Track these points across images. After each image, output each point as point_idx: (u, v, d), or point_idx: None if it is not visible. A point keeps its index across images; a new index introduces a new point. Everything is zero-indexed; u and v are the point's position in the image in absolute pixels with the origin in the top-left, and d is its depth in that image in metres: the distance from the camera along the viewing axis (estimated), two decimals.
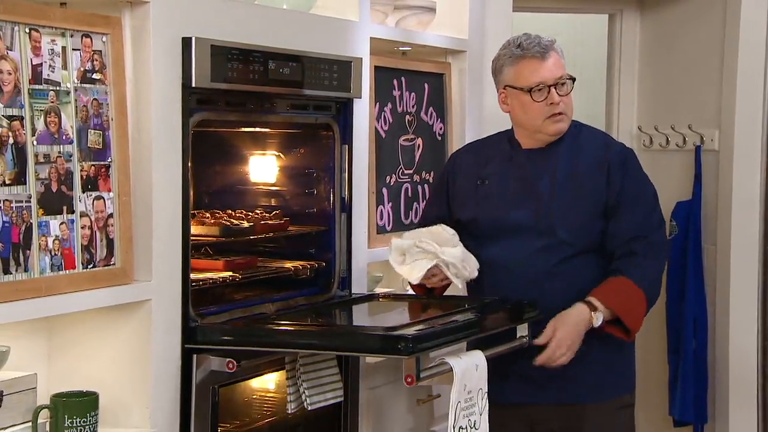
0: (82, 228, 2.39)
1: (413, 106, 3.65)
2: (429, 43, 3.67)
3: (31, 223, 2.27)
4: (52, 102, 2.33)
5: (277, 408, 3.04)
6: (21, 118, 2.25)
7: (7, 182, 2.22)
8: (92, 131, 2.43)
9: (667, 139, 4.51)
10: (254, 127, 3.15)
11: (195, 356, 2.62)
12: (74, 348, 2.57)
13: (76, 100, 2.39)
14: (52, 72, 2.33)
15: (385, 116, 3.50)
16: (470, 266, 2.94)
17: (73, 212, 2.37)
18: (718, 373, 4.25)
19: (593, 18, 5.43)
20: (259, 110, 2.92)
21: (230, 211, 3.25)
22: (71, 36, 2.38)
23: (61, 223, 2.34)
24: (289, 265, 3.16)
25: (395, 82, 3.55)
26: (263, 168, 3.35)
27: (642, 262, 2.92)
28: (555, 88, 2.94)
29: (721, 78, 4.27)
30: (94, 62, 2.44)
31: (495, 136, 3.21)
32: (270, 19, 2.91)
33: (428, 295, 3.10)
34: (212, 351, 2.63)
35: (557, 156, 3.01)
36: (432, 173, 3.72)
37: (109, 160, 2.47)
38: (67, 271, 2.35)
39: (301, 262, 3.18)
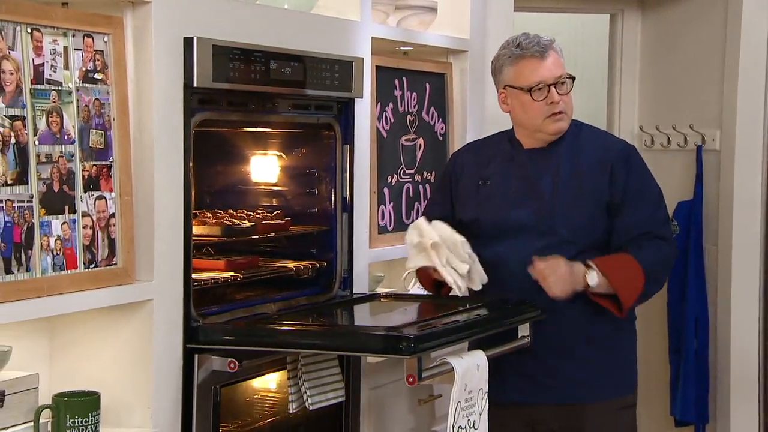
0: (83, 228, 2.39)
1: (414, 106, 3.65)
2: (430, 43, 3.67)
3: (33, 223, 2.27)
4: (54, 102, 2.33)
5: (278, 408, 3.04)
6: (23, 118, 2.25)
7: (9, 182, 2.22)
8: (94, 131, 2.43)
9: (669, 138, 4.51)
10: (256, 127, 3.16)
11: (196, 356, 2.62)
12: (76, 348, 2.57)
13: (77, 100, 2.39)
14: (54, 72, 2.33)
15: (386, 116, 3.50)
16: (474, 282, 2.93)
17: (74, 212, 2.37)
18: (720, 373, 4.25)
19: (594, 18, 5.44)
20: (261, 110, 2.92)
21: (232, 211, 3.26)
22: (73, 36, 2.39)
23: (63, 223, 2.34)
24: (290, 265, 3.16)
25: (396, 81, 3.55)
26: (265, 168, 3.35)
27: (647, 248, 2.92)
28: (555, 87, 2.94)
29: (722, 78, 4.27)
30: (96, 62, 2.44)
31: (495, 136, 3.21)
32: (271, 19, 2.91)
33: (436, 292, 3.09)
34: (214, 351, 2.63)
35: (558, 155, 3.01)
36: (433, 173, 3.72)
37: (111, 160, 2.47)
38: (69, 271, 2.35)
39: (303, 262, 3.18)
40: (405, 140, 3.61)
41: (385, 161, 3.49)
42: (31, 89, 2.27)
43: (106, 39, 2.46)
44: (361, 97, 3.20)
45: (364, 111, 3.25)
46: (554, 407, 2.98)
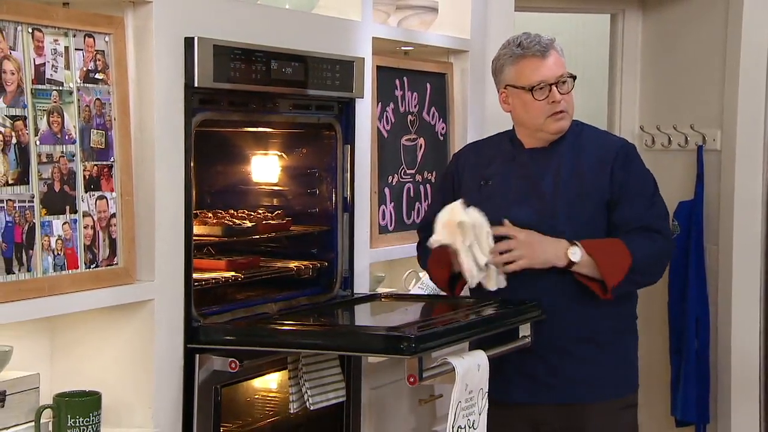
0: (84, 228, 2.39)
1: (415, 106, 3.65)
2: (431, 42, 3.67)
3: (34, 223, 2.27)
4: (55, 102, 2.33)
5: (279, 408, 3.04)
6: (24, 118, 2.25)
7: (10, 182, 2.22)
8: (95, 131, 2.43)
9: (669, 139, 4.51)
10: (257, 127, 3.16)
11: (197, 356, 2.62)
12: (77, 348, 2.57)
13: (78, 100, 2.39)
14: (55, 72, 2.33)
15: (387, 116, 3.50)
16: (490, 280, 2.91)
17: (75, 212, 2.38)
18: (721, 373, 4.25)
19: (595, 18, 5.44)
20: (262, 110, 2.92)
21: (232, 211, 3.26)
22: (74, 36, 2.39)
23: (64, 223, 2.34)
24: (291, 265, 3.17)
25: (397, 81, 3.55)
26: (265, 168, 3.35)
27: (640, 238, 2.92)
28: (556, 87, 2.94)
29: (723, 78, 4.27)
30: (97, 62, 2.44)
31: (496, 136, 3.21)
32: (272, 18, 2.91)
33: (449, 290, 3.08)
34: (215, 351, 2.63)
35: (560, 155, 3.01)
36: (434, 173, 3.72)
37: (112, 159, 2.47)
38: (70, 271, 2.35)
39: (304, 262, 3.18)
40: (406, 140, 3.61)
41: (386, 161, 3.49)
42: (32, 89, 2.27)
43: (107, 39, 2.46)
44: (362, 97, 3.20)
45: (364, 111, 3.26)
46: (556, 407, 2.98)
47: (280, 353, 2.80)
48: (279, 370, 2.92)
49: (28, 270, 2.25)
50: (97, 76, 2.44)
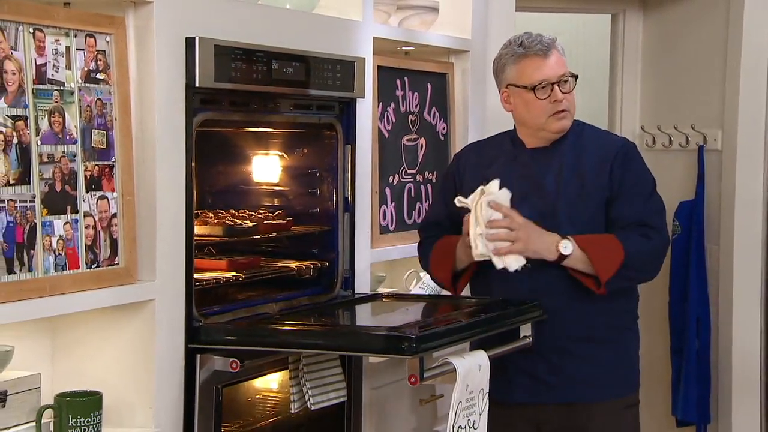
0: (85, 228, 2.39)
1: (416, 106, 3.65)
2: (432, 42, 3.67)
3: (35, 223, 2.27)
4: (56, 102, 2.33)
5: (280, 408, 3.04)
6: (25, 118, 2.25)
7: (11, 182, 2.22)
8: (96, 131, 2.43)
9: (670, 139, 4.51)
10: (257, 127, 3.16)
11: (198, 356, 2.62)
12: (78, 348, 2.57)
13: (80, 100, 2.39)
14: (56, 72, 2.33)
15: (388, 116, 3.50)
16: (509, 259, 2.89)
17: (77, 212, 2.38)
18: (721, 373, 4.25)
19: (596, 18, 5.44)
20: (263, 110, 2.92)
21: (233, 211, 3.26)
22: (75, 36, 2.39)
23: (65, 223, 2.35)
24: (292, 265, 3.17)
25: (398, 81, 3.55)
26: (266, 168, 3.35)
27: (634, 234, 2.92)
28: (558, 86, 2.95)
29: (724, 78, 4.27)
30: (98, 62, 2.44)
31: (497, 136, 3.21)
32: (273, 18, 2.91)
33: (452, 286, 3.08)
34: (215, 351, 2.63)
35: (561, 154, 3.01)
36: (435, 173, 3.72)
37: (113, 159, 2.47)
38: (71, 271, 2.35)
39: (304, 262, 3.18)
40: (406, 140, 3.61)
41: (387, 161, 3.49)
42: (33, 89, 2.27)
43: (108, 39, 2.46)
44: (363, 97, 3.20)
45: (365, 111, 3.26)
46: (559, 407, 2.98)
47: (281, 353, 2.80)
48: (280, 370, 2.92)
49: (30, 270, 2.25)
50: (98, 76, 2.44)
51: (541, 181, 3.00)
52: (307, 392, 2.88)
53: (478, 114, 3.90)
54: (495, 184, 2.90)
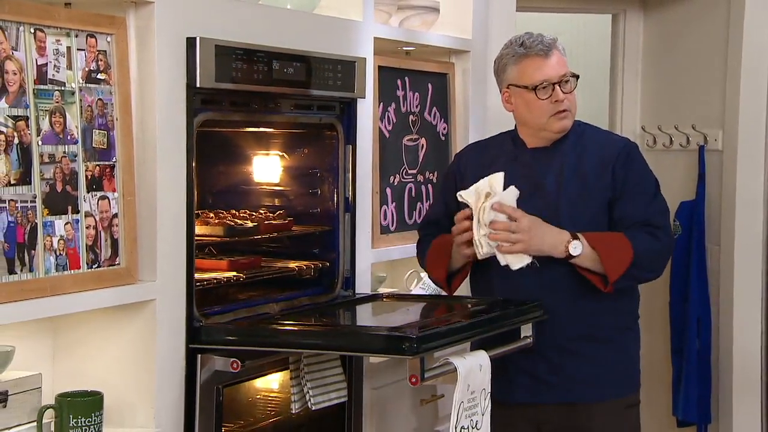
0: (86, 228, 2.39)
1: (417, 106, 3.65)
2: (432, 43, 3.67)
3: (36, 223, 2.27)
4: (57, 102, 2.33)
5: (280, 408, 3.04)
6: (26, 118, 2.25)
7: (12, 182, 2.22)
8: (97, 131, 2.43)
9: (671, 139, 4.51)
10: (258, 127, 3.16)
11: (199, 356, 2.62)
12: (79, 348, 2.57)
13: (80, 100, 2.39)
14: (57, 72, 2.33)
15: (388, 116, 3.50)
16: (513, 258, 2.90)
17: (77, 212, 2.38)
18: (722, 373, 4.25)
19: (596, 18, 5.44)
20: (263, 110, 2.92)
21: (234, 211, 3.26)
22: (76, 36, 2.39)
23: (66, 223, 2.35)
24: (292, 265, 3.17)
25: (399, 82, 3.55)
26: (267, 168, 3.35)
27: (642, 234, 2.92)
28: (559, 86, 2.95)
29: (724, 78, 4.27)
30: (99, 62, 2.44)
31: (498, 136, 3.21)
32: (274, 19, 2.91)
33: (446, 285, 3.08)
34: (216, 351, 2.63)
35: (562, 154, 3.01)
36: (436, 173, 3.72)
37: (114, 160, 2.47)
38: (72, 271, 2.35)
39: (305, 262, 3.18)
40: (407, 140, 3.61)
41: (388, 161, 3.49)
42: (34, 89, 2.28)
43: (109, 39, 2.46)
44: (364, 97, 3.20)
45: (366, 111, 3.26)
46: (559, 406, 2.98)
47: (282, 353, 2.80)
48: (281, 370, 2.92)
49: (30, 270, 2.25)
50: (99, 76, 2.44)
51: (542, 181, 3.00)
52: (308, 392, 2.88)
53: (479, 114, 3.90)
54: (499, 181, 2.89)
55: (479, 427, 2.67)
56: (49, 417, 2.36)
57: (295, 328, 2.72)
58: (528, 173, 3.02)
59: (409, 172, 3.61)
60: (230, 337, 2.63)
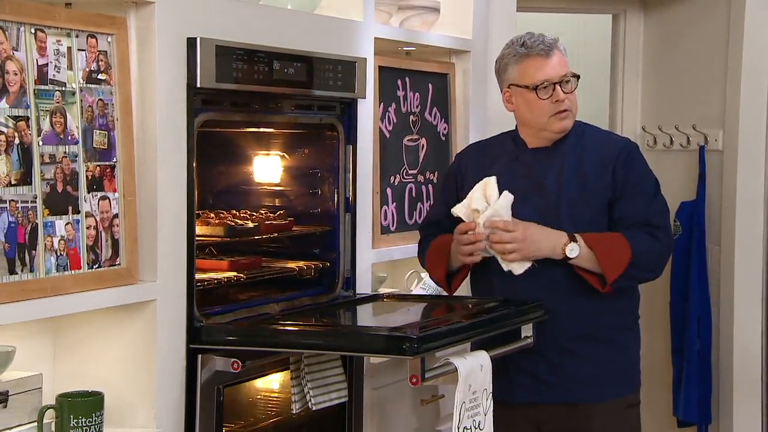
0: (87, 228, 2.39)
1: (417, 107, 3.65)
2: (433, 43, 3.67)
3: (37, 224, 2.27)
4: (58, 102, 2.33)
5: (281, 408, 3.04)
6: (27, 119, 2.25)
7: (13, 182, 2.22)
8: (97, 131, 2.43)
9: (671, 139, 4.51)
10: (259, 127, 3.16)
11: (200, 356, 2.62)
12: (79, 348, 2.57)
13: (81, 101, 2.39)
14: (58, 72, 2.33)
15: (389, 116, 3.50)
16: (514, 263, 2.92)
17: (78, 212, 2.38)
18: (723, 373, 4.25)
19: (597, 18, 5.44)
20: (264, 110, 2.92)
21: (235, 212, 3.26)
22: (76, 36, 2.39)
23: (67, 224, 2.35)
24: (293, 265, 3.17)
25: (399, 82, 3.55)
26: (268, 168, 3.35)
27: (641, 234, 2.92)
28: (560, 86, 2.95)
29: (725, 78, 4.27)
30: (100, 62, 2.44)
31: (499, 136, 3.21)
32: (274, 19, 2.91)
33: (446, 284, 3.09)
34: (217, 351, 2.63)
35: (563, 154, 3.01)
36: (436, 173, 3.72)
37: (114, 160, 2.47)
38: (73, 272, 2.35)
39: (306, 263, 3.18)
40: (408, 140, 3.61)
41: (388, 161, 3.49)
42: (34, 90, 2.28)
43: (109, 39, 2.46)
44: (364, 98, 3.20)
45: (366, 111, 3.26)
46: (560, 406, 2.98)
47: (283, 353, 2.80)
48: (281, 371, 2.92)
49: (31, 270, 2.25)
50: (99, 76, 2.44)
51: (542, 181, 3.00)
52: (309, 392, 2.88)
53: (479, 114, 3.90)
54: (493, 185, 2.90)
55: (482, 428, 2.67)
56: (49, 417, 2.36)
57: (296, 329, 2.72)
58: (529, 173, 3.02)
59: (410, 172, 3.61)
60: (231, 338, 2.64)
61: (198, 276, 2.70)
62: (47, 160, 2.30)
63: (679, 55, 4.51)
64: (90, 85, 2.41)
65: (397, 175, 3.55)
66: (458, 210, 2.96)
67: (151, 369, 2.53)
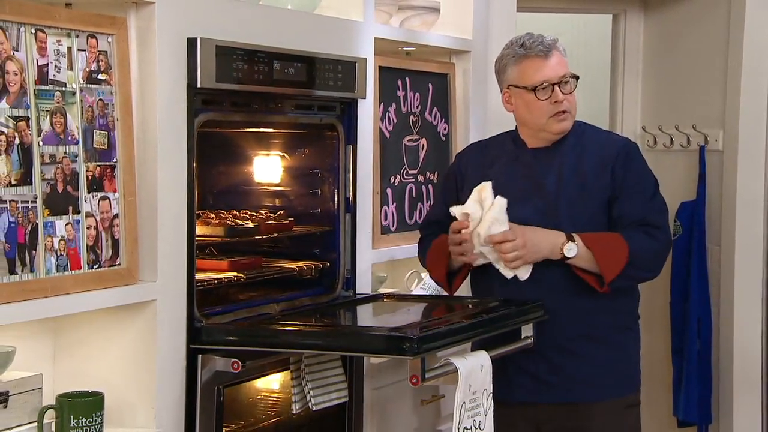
0: (87, 228, 2.39)
1: (417, 107, 3.65)
2: (433, 43, 3.67)
3: (37, 224, 2.27)
4: (58, 102, 2.33)
5: (281, 408, 3.04)
6: (27, 119, 2.25)
7: (13, 183, 2.22)
8: (98, 132, 2.43)
9: (671, 139, 4.51)
10: (259, 127, 3.16)
11: (200, 356, 2.62)
12: (80, 348, 2.57)
13: (81, 101, 2.39)
14: (58, 72, 2.33)
15: (389, 116, 3.50)
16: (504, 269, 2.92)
17: (78, 213, 2.38)
18: (723, 373, 4.25)
19: (597, 18, 5.44)
20: (264, 110, 2.92)
21: (235, 212, 3.26)
22: (77, 36, 2.39)
23: (67, 224, 2.35)
24: (293, 265, 3.17)
25: (399, 82, 3.56)
26: (268, 168, 3.35)
27: (638, 233, 2.92)
28: (559, 87, 2.95)
29: (725, 78, 4.27)
30: (100, 63, 2.44)
31: (499, 136, 3.21)
32: (275, 19, 2.91)
33: (446, 284, 3.09)
34: (217, 351, 2.63)
35: (562, 154, 3.02)
36: (436, 173, 3.72)
37: (115, 160, 2.47)
38: (73, 272, 2.35)
39: (306, 263, 3.18)
40: (408, 140, 3.61)
41: (388, 162, 3.49)
42: (35, 90, 2.28)
43: (109, 39, 2.46)
44: (364, 98, 3.20)
45: (367, 111, 3.26)
46: (559, 406, 2.98)
47: (283, 354, 2.80)
48: (281, 371, 2.92)
49: (31, 270, 2.25)
50: (99, 76, 2.44)
51: (542, 181, 3.00)
52: (309, 393, 2.88)
53: (479, 114, 3.90)
54: (488, 190, 2.89)
55: (482, 428, 2.67)
56: (49, 417, 2.36)
57: (296, 329, 2.72)
58: (528, 173, 3.02)
59: (410, 172, 3.61)
60: (231, 338, 2.64)
61: (198, 276, 2.70)
62: (47, 161, 2.30)
63: (679, 55, 4.51)
64: (90, 86, 2.41)
65: (397, 175, 3.55)
66: (456, 211, 2.95)
67: (151, 369, 2.53)
